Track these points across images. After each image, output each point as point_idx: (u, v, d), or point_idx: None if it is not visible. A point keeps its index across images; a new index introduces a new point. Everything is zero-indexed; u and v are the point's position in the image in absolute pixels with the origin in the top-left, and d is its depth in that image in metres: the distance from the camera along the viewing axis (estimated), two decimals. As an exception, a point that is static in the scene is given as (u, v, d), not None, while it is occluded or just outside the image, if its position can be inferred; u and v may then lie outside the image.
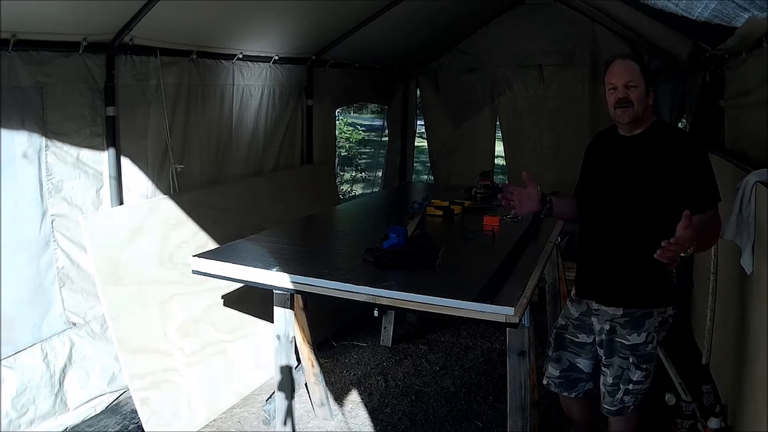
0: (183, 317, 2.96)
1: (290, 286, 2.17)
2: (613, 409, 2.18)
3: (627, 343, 2.10)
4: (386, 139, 6.09)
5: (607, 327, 2.15)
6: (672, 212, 1.98)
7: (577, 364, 2.31)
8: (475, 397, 3.24)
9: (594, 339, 2.24)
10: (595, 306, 2.20)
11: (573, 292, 2.35)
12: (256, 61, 3.76)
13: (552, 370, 2.35)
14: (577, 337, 2.29)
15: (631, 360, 2.11)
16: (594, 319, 2.22)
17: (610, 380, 2.16)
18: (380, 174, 6.31)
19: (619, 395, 2.15)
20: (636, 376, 2.11)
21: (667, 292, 2.11)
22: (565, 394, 2.36)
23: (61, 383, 2.68)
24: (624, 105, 2.01)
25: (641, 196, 2.04)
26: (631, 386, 2.13)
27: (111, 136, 2.84)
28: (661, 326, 2.11)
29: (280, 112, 4.13)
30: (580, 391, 2.34)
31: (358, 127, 11.74)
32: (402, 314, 3.98)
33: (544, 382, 2.40)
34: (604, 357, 2.18)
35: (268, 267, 2.21)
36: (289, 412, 2.53)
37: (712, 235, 2.02)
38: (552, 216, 2.33)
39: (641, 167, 2.04)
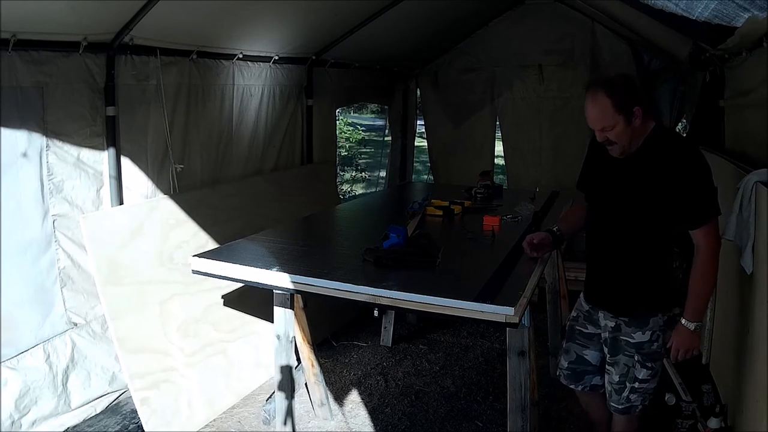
0: (183, 317, 2.96)
1: (290, 286, 2.17)
2: (620, 407, 2.18)
3: (632, 341, 2.11)
4: (389, 138, 6.09)
5: (611, 324, 2.16)
6: (670, 222, 1.99)
7: (585, 356, 2.31)
8: (475, 397, 3.24)
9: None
10: None
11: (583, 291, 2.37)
12: (256, 61, 3.76)
13: (563, 362, 2.38)
14: (587, 328, 2.30)
15: (636, 358, 2.11)
16: (600, 314, 2.23)
17: (616, 378, 2.17)
18: (381, 174, 6.31)
19: (625, 393, 2.15)
20: (642, 374, 2.12)
21: (671, 294, 2.11)
22: (572, 386, 2.38)
23: (64, 384, 2.68)
24: (609, 145, 2.00)
25: (639, 207, 2.03)
26: (637, 384, 2.13)
27: (111, 136, 2.84)
28: (666, 325, 2.11)
29: (280, 112, 4.13)
30: (586, 384, 2.35)
31: (358, 127, 11.76)
32: (402, 314, 3.99)
33: (556, 373, 2.43)
34: (609, 355, 2.19)
35: (268, 267, 2.21)
36: (289, 412, 2.53)
37: (706, 282, 2.00)
38: (566, 238, 2.42)
39: (638, 178, 2.03)
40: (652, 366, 2.12)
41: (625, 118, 1.92)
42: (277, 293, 2.40)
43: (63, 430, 2.65)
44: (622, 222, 2.08)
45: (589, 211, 2.29)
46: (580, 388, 2.36)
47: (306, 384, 2.96)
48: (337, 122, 6.58)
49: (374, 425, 2.99)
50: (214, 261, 2.32)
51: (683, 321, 2.02)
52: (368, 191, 8.80)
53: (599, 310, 2.23)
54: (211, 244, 3.11)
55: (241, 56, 3.56)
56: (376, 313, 2.14)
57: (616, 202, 2.09)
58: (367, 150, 11.11)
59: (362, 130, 11.59)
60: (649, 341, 2.09)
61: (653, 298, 2.08)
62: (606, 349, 2.21)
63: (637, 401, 2.15)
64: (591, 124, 1.98)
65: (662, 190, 1.96)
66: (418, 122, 6.29)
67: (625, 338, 2.12)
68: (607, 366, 2.21)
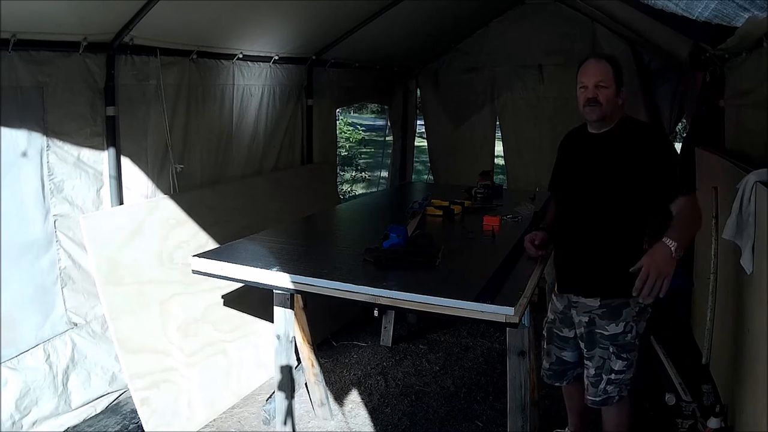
0: (183, 317, 2.96)
1: (290, 286, 2.17)
2: (597, 399, 2.23)
3: (606, 333, 2.16)
4: (390, 138, 6.10)
5: (585, 319, 2.21)
6: (641, 205, 2.07)
7: (564, 357, 2.40)
8: (475, 397, 3.24)
9: (575, 333, 2.30)
10: (574, 298, 2.26)
11: (555, 287, 2.41)
12: (256, 61, 3.77)
13: (545, 363, 2.46)
14: (562, 332, 2.37)
15: (611, 350, 2.17)
16: (573, 312, 2.27)
17: (592, 371, 2.22)
18: (382, 173, 6.30)
19: (602, 385, 2.20)
20: (617, 365, 2.17)
21: None
22: (557, 384, 2.47)
23: (64, 384, 2.68)
24: (592, 104, 2.08)
25: (611, 191, 2.09)
26: (613, 375, 2.18)
27: (111, 136, 2.84)
28: (639, 316, 2.16)
29: (280, 112, 4.13)
30: (570, 379, 2.43)
31: (358, 127, 11.76)
32: (402, 314, 3.98)
33: (540, 374, 2.48)
34: (585, 350, 2.25)
35: (268, 267, 2.21)
36: (289, 412, 2.53)
37: (693, 221, 2.06)
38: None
39: (610, 163, 2.10)
40: (627, 357, 2.17)
41: (616, 88, 2.10)
42: (277, 293, 2.40)
43: (63, 430, 2.66)
44: (595, 206, 2.14)
45: (561, 204, 2.35)
46: (564, 383, 2.46)
47: (306, 384, 2.96)
48: (337, 122, 6.58)
49: (374, 425, 2.99)
50: (214, 261, 2.32)
51: (665, 239, 1.88)
52: (368, 191, 8.80)
53: (572, 308, 2.27)
54: (211, 244, 3.11)
55: (241, 56, 3.56)
56: (376, 313, 2.14)
57: (589, 187, 2.15)
58: (367, 150, 11.11)
59: (362, 130, 11.59)
60: (623, 332, 2.14)
61: (625, 280, 2.09)
62: (582, 345, 2.26)
63: (614, 392, 2.20)
64: (589, 76, 2.09)
65: (634, 169, 2.04)
66: (418, 122, 6.29)
67: (599, 331, 2.17)
68: (585, 361, 2.27)
